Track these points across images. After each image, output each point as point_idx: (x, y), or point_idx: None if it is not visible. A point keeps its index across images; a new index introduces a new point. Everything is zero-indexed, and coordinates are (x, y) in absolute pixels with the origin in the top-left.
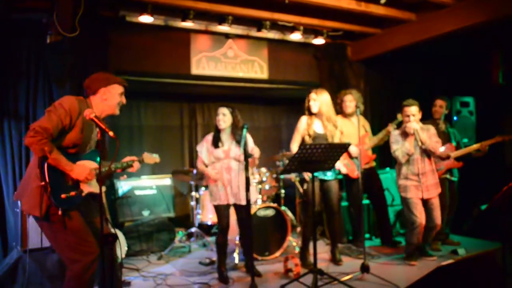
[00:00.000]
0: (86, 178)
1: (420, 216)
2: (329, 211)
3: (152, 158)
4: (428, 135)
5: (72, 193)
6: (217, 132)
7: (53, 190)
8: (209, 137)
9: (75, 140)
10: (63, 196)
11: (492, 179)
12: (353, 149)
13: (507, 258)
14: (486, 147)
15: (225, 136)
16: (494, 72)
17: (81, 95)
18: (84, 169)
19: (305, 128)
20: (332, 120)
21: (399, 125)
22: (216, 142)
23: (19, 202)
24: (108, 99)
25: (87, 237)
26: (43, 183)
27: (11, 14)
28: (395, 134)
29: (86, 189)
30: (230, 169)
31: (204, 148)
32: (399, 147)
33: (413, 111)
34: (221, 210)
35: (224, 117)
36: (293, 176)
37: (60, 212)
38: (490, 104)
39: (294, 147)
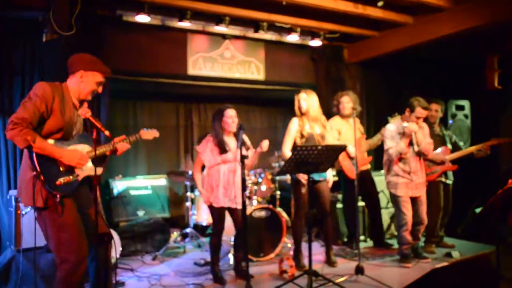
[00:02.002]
0: (78, 163)
1: (408, 214)
2: (322, 213)
3: (150, 133)
4: (423, 134)
5: (67, 179)
6: (222, 135)
7: (46, 178)
8: (212, 138)
9: (57, 124)
10: (57, 182)
11: (487, 182)
12: (351, 150)
13: (501, 261)
14: (488, 147)
15: (231, 139)
16: (490, 75)
17: None
18: (75, 154)
19: (298, 129)
20: (318, 120)
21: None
22: (223, 147)
23: (13, 201)
24: (84, 83)
25: (79, 236)
26: (34, 172)
27: (7, 11)
28: (391, 130)
29: (81, 173)
30: (235, 172)
31: (208, 149)
32: (394, 146)
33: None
34: (217, 213)
35: (235, 119)
36: (289, 178)
37: (57, 200)
38: (486, 107)
39: (286, 150)
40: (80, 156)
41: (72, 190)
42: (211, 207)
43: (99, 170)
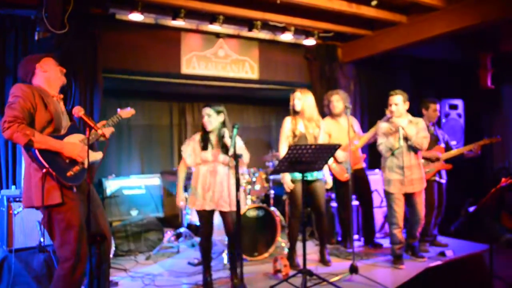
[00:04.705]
0: (79, 156)
1: (399, 211)
2: (317, 212)
3: (128, 112)
4: (416, 130)
5: (76, 169)
6: (206, 133)
7: (57, 172)
8: (197, 137)
9: (45, 117)
10: (68, 174)
11: (480, 181)
12: (339, 154)
13: (495, 260)
14: (480, 147)
15: (214, 138)
16: (483, 75)
17: (71, 93)
18: (74, 146)
19: (290, 128)
20: (314, 120)
21: None
22: (205, 144)
23: (5, 201)
24: (48, 70)
25: (82, 236)
26: (44, 170)
27: None
28: (382, 126)
29: (85, 162)
30: (215, 173)
31: (189, 148)
32: (384, 141)
33: (395, 100)
34: (203, 216)
35: (210, 118)
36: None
37: (75, 189)
38: (479, 107)
39: (282, 149)
40: (80, 149)
41: (81, 180)
42: (196, 210)
43: (99, 155)
